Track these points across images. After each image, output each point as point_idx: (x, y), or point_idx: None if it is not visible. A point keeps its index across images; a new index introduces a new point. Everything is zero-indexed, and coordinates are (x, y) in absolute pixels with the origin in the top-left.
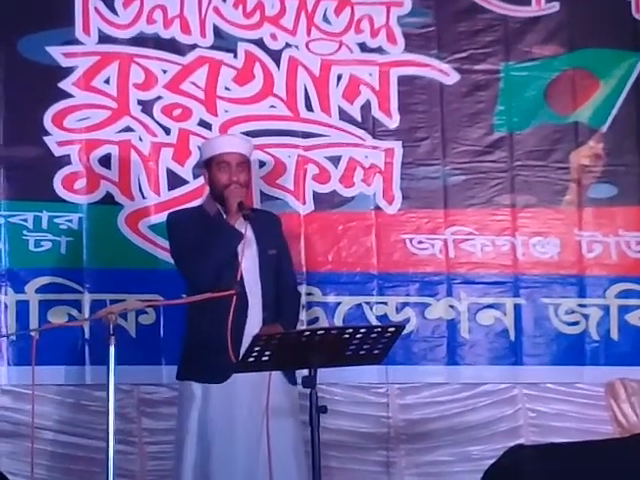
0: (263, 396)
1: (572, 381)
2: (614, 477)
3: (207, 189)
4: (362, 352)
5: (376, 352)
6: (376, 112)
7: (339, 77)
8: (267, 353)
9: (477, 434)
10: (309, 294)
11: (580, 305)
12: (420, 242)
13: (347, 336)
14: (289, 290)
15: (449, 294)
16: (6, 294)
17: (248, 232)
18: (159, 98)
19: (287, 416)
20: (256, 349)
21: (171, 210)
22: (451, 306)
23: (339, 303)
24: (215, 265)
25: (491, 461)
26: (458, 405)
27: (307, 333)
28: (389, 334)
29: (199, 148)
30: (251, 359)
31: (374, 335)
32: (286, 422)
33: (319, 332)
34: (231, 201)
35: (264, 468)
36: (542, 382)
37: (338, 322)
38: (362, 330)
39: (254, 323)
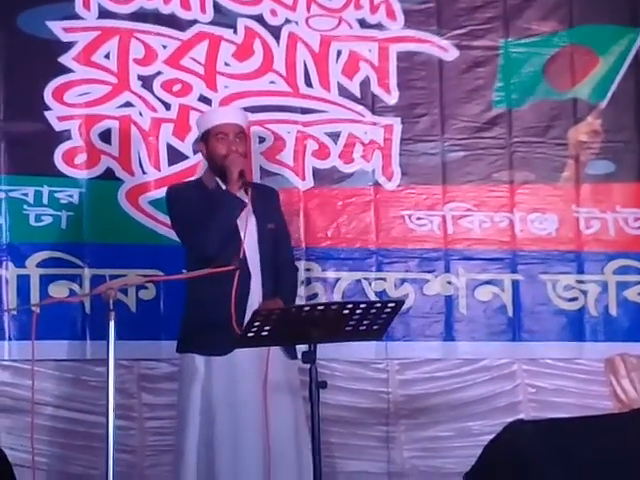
0: (264, 370)
1: (571, 357)
2: (614, 452)
3: (204, 163)
4: (362, 327)
5: (376, 327)
6: (375, 88)
7: (338, 53)
8: (267, 328)
9: (476, 409)
10: (308, 270)
11: (578, 281)
12: (419, 218)
13: (347, 312)
14: (287, 264)
15: (447, 270)
16: (7, 268)
17: (248, 205)
18: (159, 73)
19: (287, 390)
20: (256, 324)
21: (170, 184)
22: (449, 282)
23: (338, 279)
24: (218, 235)
25: (490, 436)
26: (457, 380)
27: (307, 308)
28: (389, 310)
29: (196, 123)
30: (251, 334)
31: (374, 311)
32: (286, 396)
33: (319, 307)
34: (232, 169)
35: (265, 442)
36: (541, 358)
37: (337, 298)
38: (362, 305)
39: (256, 297)
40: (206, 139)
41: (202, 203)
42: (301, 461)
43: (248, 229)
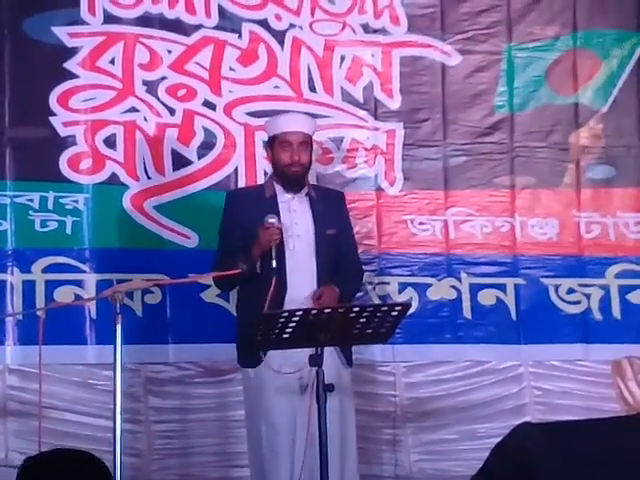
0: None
1: (576, 359)
2: (621, 455)
3: (270, 167)
4: (369, 331)
5: (382, 331)
6: (378, 93)
7: (342, 58)
8: (275, 332)
9: (483, 412)
10: None
11: (580, 285)
12: (421, 223)
13: (354, 315)
14: (352, 265)
15: (450, 274)
16: (12, 274)
17: (307, 211)
18: (164, 78)
19: (341, 397)
20: (261, 327)
21: (233, 189)
22: (452, 286)
23: None
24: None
25: (497, 439)
26: (464, 383)
27: (314, 312)
28: (395, 313)
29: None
30: (259, 337)
31: (380, 314)
32: (338, 403)
33: (326, 311)
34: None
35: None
36: (547, 360)
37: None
38: (369, 309)
39: (291, 305)
40: (272, 145)
41: (255, 211)
42: (344, 467)
43: (304, 235)
